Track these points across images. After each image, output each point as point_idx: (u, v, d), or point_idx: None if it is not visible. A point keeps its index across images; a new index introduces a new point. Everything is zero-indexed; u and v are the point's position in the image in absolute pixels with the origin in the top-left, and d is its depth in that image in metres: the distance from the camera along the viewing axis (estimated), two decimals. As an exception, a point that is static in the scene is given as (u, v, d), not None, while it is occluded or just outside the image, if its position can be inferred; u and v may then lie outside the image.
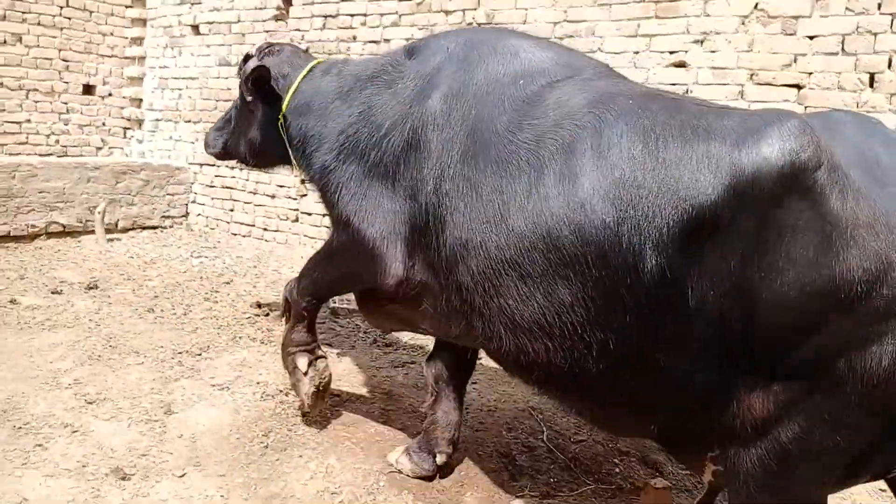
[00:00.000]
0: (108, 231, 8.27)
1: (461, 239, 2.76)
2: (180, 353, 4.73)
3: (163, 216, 9.01)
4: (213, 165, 8.92)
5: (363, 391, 4.45)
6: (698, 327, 2.30)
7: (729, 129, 2.29)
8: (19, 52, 8.80)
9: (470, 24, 6.73)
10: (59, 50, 9.09)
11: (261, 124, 3.98)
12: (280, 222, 8.48)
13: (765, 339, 2.23)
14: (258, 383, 4.33)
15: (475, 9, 6.71)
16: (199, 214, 9.28)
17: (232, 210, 8.99)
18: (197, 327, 5.27)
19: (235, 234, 8.93)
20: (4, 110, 8.76)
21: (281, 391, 4.21)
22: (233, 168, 8.56)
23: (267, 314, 5.70)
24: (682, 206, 2.25)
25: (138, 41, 9.68)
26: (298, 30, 7.85)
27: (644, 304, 2.34)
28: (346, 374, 4.68)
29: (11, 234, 7.63)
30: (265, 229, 8.63)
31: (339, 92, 3.60)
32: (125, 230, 8.73)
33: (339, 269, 3.60)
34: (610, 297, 2.38)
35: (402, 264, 3.15)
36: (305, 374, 3.79)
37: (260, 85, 3.83)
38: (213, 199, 9.16)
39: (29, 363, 4.34)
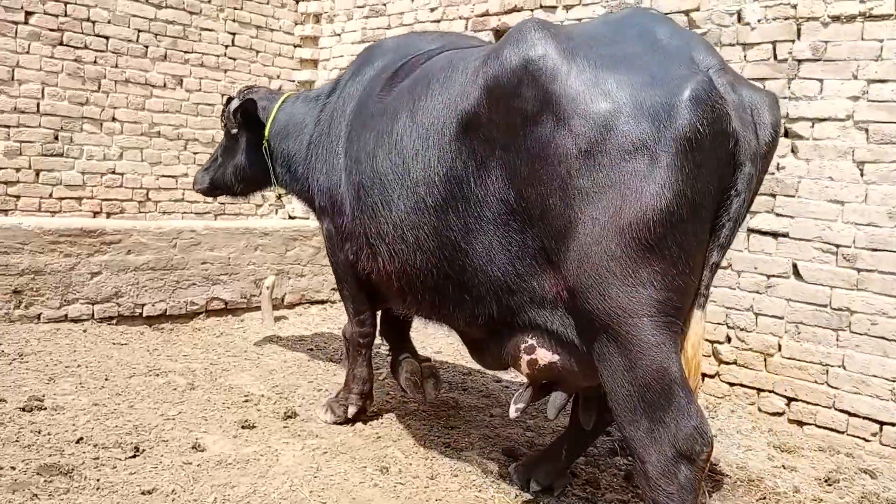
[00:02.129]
0: (274, 307, 6.90)
1: (359, 182, 3.57)
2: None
3: (332, 288, 7.60)
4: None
5: None
6: (490, 216, 2.85)
7: (490, 49, 2.95)
8: (179, 96, 7.69)
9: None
10: (222, 94, 7.93)
11: (245, 150, 4.79)
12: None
13: (538, 215, 2.68)
14: None
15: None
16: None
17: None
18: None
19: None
20: (160, 163, 7.63)
21: None
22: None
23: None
24: (458, 115, 2.91)
25: (308, 85, 8.43)
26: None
27: (450, 201, 2.97)
28: None
29: (168, 314, 6.34)
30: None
31: (304, 114, 4.45)
32: (292, 305, 7.34)
33: (335, 262, 4.23)
34: (428, 200, 3.06)
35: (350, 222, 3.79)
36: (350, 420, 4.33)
37: (246, 115, 4.63)
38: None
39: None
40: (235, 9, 8.01)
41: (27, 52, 6.65)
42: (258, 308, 6.94)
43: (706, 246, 2.51)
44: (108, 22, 7.09)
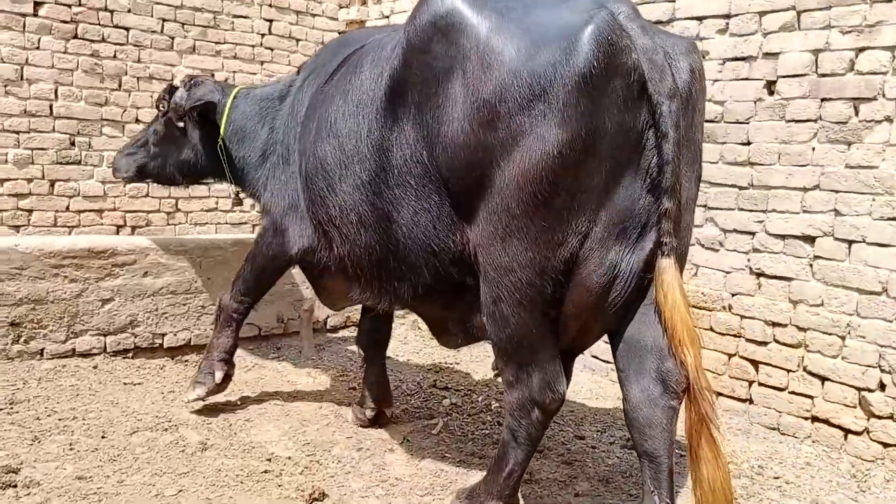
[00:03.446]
0: (314, 331, 6.01)
1: (307, 172, 3.62)
2: None
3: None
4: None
5: None
6: (412, 182, 2.92)
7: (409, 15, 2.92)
8: (211, 93, 6.84)
9: None
10: (259, 89, 7.06)
11: (196, 146, 4.68)
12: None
13: (448, 171, 2.76)
14: None
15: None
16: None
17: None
18: None
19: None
20: (192, 168, 6.80)
21: None
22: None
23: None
24: (383, 85, 3.00)
25: (353, 75, 7.50)
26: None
27: (380, 173, 3.05)
28: None
29: (192, 343, 5.49)
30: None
31: (257, 118, 4.41)
32: (335, 329, 6.43)
33: (263, 253, 4.20)
34: (363, 175, 3.15)
35: (300, 231, 3.92)
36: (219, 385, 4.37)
37: (205, 115, 4.54)
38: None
39: None
40: (272, -8, 7.13)
41: (37, 48, 5.90)
42: (296, 333, 6.06)
43: (624, 194, 2.53)
44: (129, 11, 6.29)
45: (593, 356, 5.38)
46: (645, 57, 2.43)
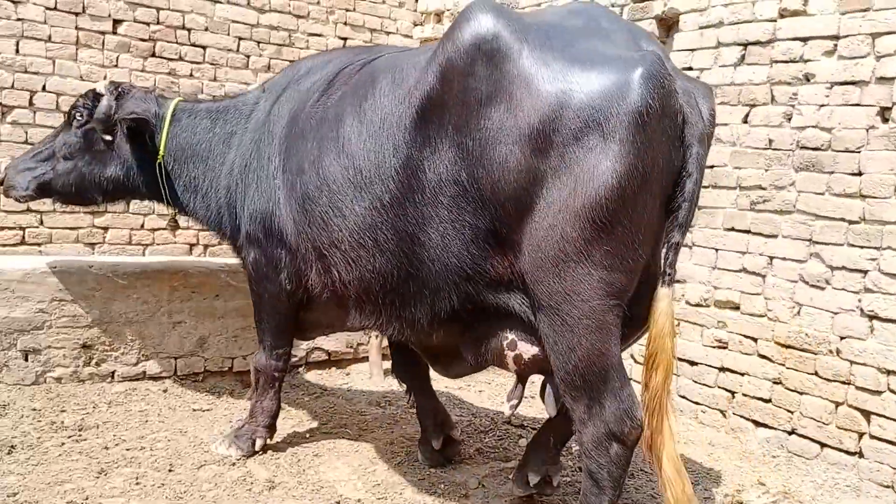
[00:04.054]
0: (383, 357, 5.83)
1: (304, 193, 3.41)
2: None
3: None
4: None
5: None
6: (444, 202, 2.84)
7: (443, 36, 2.90)
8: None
9: None
10: (332, 107, 6.96)
11: (126, 163, 4.20)
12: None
13: (489, 196, 2.74)
14: None
15: None
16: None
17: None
18: None
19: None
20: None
21: None
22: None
23: None
24: (413, 105, 2.92)
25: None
26: (691, 67, 4.90)
27: (407, 194, 2.94)
28: None
29: (262, 368, 5.36)
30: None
31: (213, 136, 4.11)
32: (405, 355, 6.23)
33: (268, 295, 3.91)
34: (385, 197, 3.02)
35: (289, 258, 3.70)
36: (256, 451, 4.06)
37: (140, 131, 4.10)
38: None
39: None
40: (347, 10, 7.02)
41: (115, 66, 5.91)
42: (365, 359, 5.90)
43: (662, 225, 2.67)
44: (206, 29, 6.27)
45: (682, 396, 5.02)
46: (684, 100, 2.61)
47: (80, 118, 4.20)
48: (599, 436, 2.71)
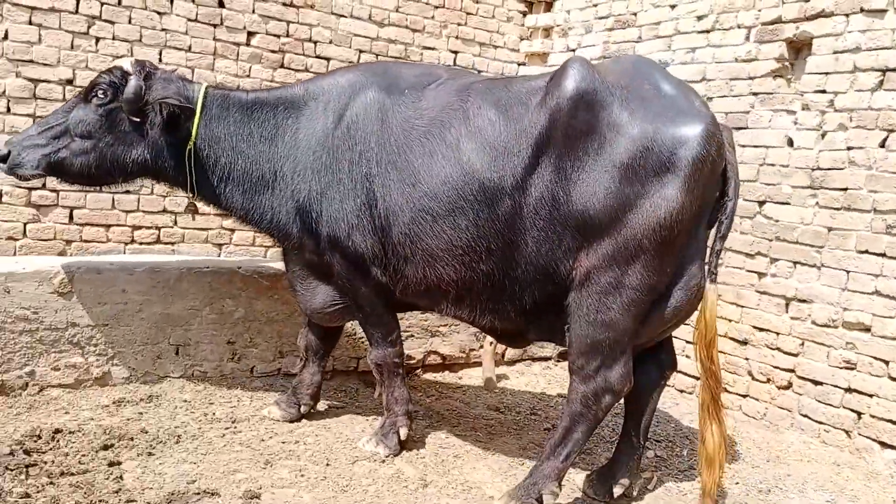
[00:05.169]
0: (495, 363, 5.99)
1: (391, 207, 3.87)
2: None
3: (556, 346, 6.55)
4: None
5: None
6: (544, 214, 3.54)
7: (550, 76, 3.67)
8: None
9: None
10: (442, 118, 7.15)
11: (155, 146, 4.05)
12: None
13: (579, 210, 3.46)
14: None
15: None
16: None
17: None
18: None
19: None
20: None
21: None
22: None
23: None
24: (528, 138, 3.56)
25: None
26: (824, 91, 4.96)
27: (517, 209, 3.58)
28: None
29: (383, 369, 5.56)
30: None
31: (265, 130, 4.12)
32: (512, 362, 6.40)
33: (359, 287, 4.16)
34: (499, 210, 3.61)
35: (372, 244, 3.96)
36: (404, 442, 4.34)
37: (178, 115, 3.96)
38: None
39: None
40: (459, 24, 7.23)
41: (248, 76, 6.20)
42: (477, 364, 6.07)
43: (705, 239, 3.63)
44: (330, 42, 6.53)
45: (804, 415, 5.08)
46: (728, 146, 3.51)
47: (102, 96, 3.95)
48: (599, 389, 3.55)
